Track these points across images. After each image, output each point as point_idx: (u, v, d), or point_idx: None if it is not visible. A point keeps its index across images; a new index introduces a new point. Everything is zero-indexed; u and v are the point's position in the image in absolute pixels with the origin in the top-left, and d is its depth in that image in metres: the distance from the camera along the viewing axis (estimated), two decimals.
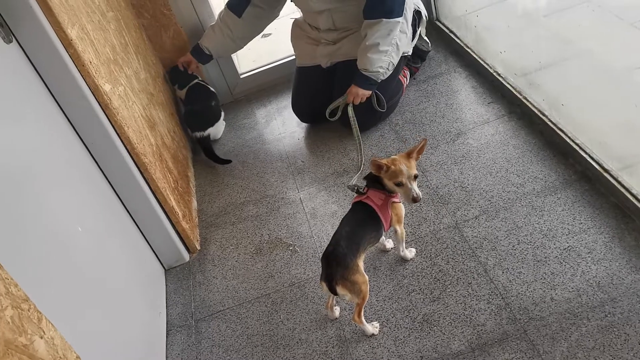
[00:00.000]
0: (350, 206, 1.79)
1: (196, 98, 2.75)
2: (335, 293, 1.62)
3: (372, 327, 1.72)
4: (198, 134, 2.68)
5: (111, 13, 2.15)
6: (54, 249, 1.37)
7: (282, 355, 1.76)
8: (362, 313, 1.67)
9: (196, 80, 2.77)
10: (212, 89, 2.85)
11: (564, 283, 1.68)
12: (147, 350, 1.79)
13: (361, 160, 2.30)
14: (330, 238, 1.67)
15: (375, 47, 2.24)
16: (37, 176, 1.41)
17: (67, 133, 1.71)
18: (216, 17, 2.81)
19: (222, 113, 2.84)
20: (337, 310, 1.81)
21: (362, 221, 1.72)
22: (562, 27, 2.12)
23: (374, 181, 1.75)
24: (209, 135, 2.70)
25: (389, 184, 1.69)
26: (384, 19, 2.22)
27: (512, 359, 1.54)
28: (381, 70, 2.29)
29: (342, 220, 1.73)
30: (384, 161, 1.67)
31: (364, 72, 2.29)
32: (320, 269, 1.67)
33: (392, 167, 1.66)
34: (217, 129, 2.77)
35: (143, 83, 2.28)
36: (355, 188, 1.77)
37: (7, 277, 0.92)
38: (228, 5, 2.59)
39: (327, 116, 2.45)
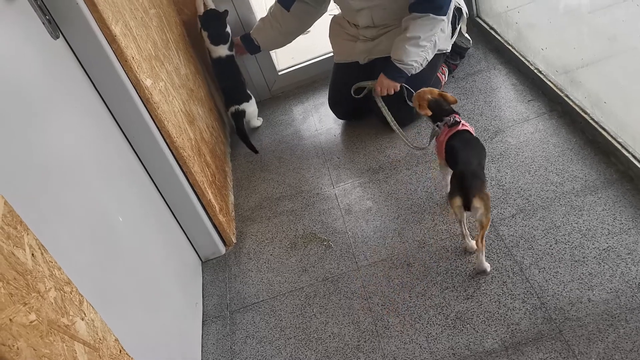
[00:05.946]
0: (449, 139, 1.82)
1: (229, 74, 2.75)
2: (468, 208, 1.62)
3: (487, 264, 1.76)
4: (233, 109, 2.71)
5: (153, 10, 2.20)
6: (95, 237, 1.41)
7: (314, 348, 1.78)
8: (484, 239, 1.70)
9: (228, 52, 2.71)
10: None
11: (602, 284, 1.64)
12: (184, 338, 1.83)
13: (402, 133, 2.31)
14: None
15: (415, 40, 2.24)
16: (83, 167, 1.46)
17: (110, 126, 1.76)
18: (256, 13, 2.85)
19: (252, 96, 2.82)
20: (473, 242, 1.82)
21: (474, 143, 1.79)
22: (606, 24, 2.06)
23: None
24: (244, 112, 2.73)
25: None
26: (431, 14, 2.22)
27: (547, 359, 1.52)
28: (415, 64, 2.29)
29: (454, 150, 1.76)
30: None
31: (397, 64, 2.30)
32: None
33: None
34: (252, 109, 2.79)
35: (183, 79, 2.33)
36: (451, 120, 1.82)
37: (52, 260, 0.96)
38: None
39: (352, 93, 2.50)
